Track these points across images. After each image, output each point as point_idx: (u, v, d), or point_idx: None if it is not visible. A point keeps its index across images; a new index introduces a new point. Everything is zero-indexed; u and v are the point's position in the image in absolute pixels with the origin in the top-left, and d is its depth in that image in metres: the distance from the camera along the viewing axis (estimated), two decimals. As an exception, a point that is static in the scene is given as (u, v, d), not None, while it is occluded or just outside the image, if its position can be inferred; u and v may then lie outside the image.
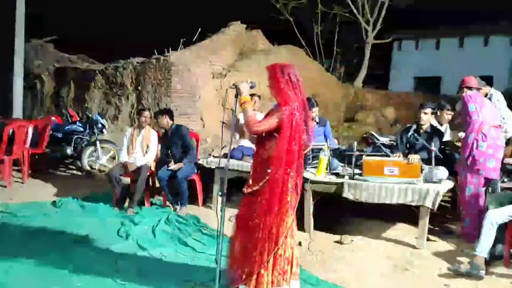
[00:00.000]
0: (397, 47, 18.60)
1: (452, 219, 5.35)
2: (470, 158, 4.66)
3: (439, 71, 16.59)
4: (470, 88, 4.88)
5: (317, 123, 5.83)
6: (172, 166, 5.71)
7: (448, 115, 5.78)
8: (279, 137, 3.07)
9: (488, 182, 4.74)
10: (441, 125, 5.76)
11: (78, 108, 10.67)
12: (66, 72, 11.92)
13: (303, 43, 15.20)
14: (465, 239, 4.69)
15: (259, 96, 6.17)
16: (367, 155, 5.14)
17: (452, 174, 5.06)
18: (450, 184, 4.93)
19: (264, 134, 3.14)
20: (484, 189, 4.71)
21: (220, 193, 3.04)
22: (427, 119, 5.30)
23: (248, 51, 11.33)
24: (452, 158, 5.34)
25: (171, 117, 6.04)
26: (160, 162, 6.04)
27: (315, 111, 5.75)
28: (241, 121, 5.33)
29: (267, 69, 3.18)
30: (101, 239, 4.55)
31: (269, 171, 3.07)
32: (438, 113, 5.75)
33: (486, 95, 5.16)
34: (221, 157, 5.47)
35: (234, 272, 3.11)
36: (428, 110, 5.29)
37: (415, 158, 4.79)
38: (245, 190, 3.16)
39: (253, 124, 3.09)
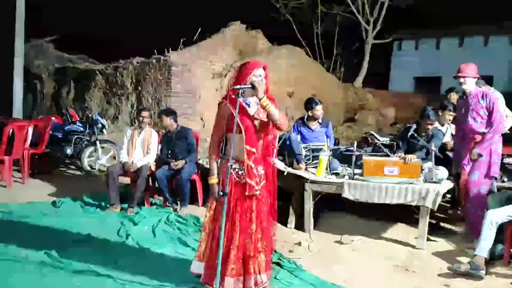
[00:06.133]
0: (397, 47, 18.55)
1: (452, 219, 5.36)
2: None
3: (439, 71, 16.52)
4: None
5: (319, 123, 5.78)
6: (175, 164, 5.69)
7: (449, 116, 5.77)
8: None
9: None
10: (442, 125, 5.75)
11: (78, 108, 10.68)
12: (66, 72, 11.93)
13: (303, 43, 15.16)
14: (473, 235, 4.59)
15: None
16: (367, 155, 5.14)
17: (452, 174, 5.07)
18: (450, 184, 4.93)
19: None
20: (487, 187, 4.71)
21: (221, 193, 3.03)
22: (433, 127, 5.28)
23: (248, 51, 11.31)
24: (450, 159, 5.34)
25: (176, 119, 6.02)
26: (161, 162, 6.03)
27: (319, 109, 5.69)
28: None
29: (265, 67, 3.19)
30: (101, 239, 4.56)
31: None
32: (440, 113, 5.75)
33: None
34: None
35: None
36: (433, 121, 5.24)
37: (412, 157, 4.79)
38: (255, 191, 3.21)
39: (286, 122, 3.19)
